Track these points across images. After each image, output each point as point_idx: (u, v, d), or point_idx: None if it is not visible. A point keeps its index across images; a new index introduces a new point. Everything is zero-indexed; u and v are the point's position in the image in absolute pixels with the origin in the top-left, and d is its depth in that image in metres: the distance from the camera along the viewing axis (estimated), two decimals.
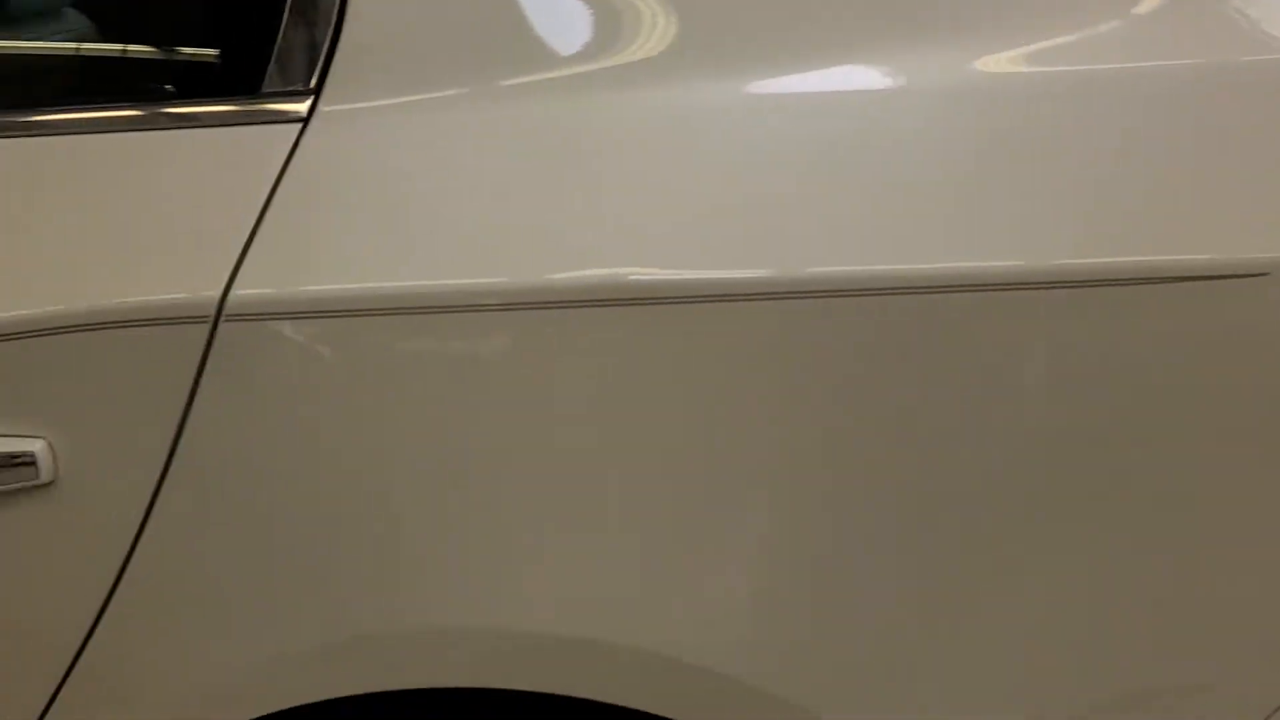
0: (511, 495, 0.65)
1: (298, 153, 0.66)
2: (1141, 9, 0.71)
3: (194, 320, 0.64)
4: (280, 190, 0.66)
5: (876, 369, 0.62)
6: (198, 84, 0.77)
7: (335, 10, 0.68)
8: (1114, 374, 0.61)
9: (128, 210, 0.67)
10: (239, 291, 0.64)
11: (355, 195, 0.66)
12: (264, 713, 0.71)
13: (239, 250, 0.64)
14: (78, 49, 0.83)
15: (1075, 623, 0.65)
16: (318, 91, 0.68)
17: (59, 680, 0.70)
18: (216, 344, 0.64)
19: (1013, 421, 0.62)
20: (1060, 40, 0.68)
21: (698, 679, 0.66)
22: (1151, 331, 0.61)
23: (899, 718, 0.67)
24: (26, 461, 0.66)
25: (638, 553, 0.66)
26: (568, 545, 0.66)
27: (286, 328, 0.64)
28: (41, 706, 0.72)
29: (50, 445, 0.67)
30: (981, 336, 0.61)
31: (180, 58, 0.79)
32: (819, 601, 0.66)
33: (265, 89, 0.69)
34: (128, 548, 0.67)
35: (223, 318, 0.64)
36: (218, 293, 0.64)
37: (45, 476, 0.67)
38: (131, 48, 0.82)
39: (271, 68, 0.69)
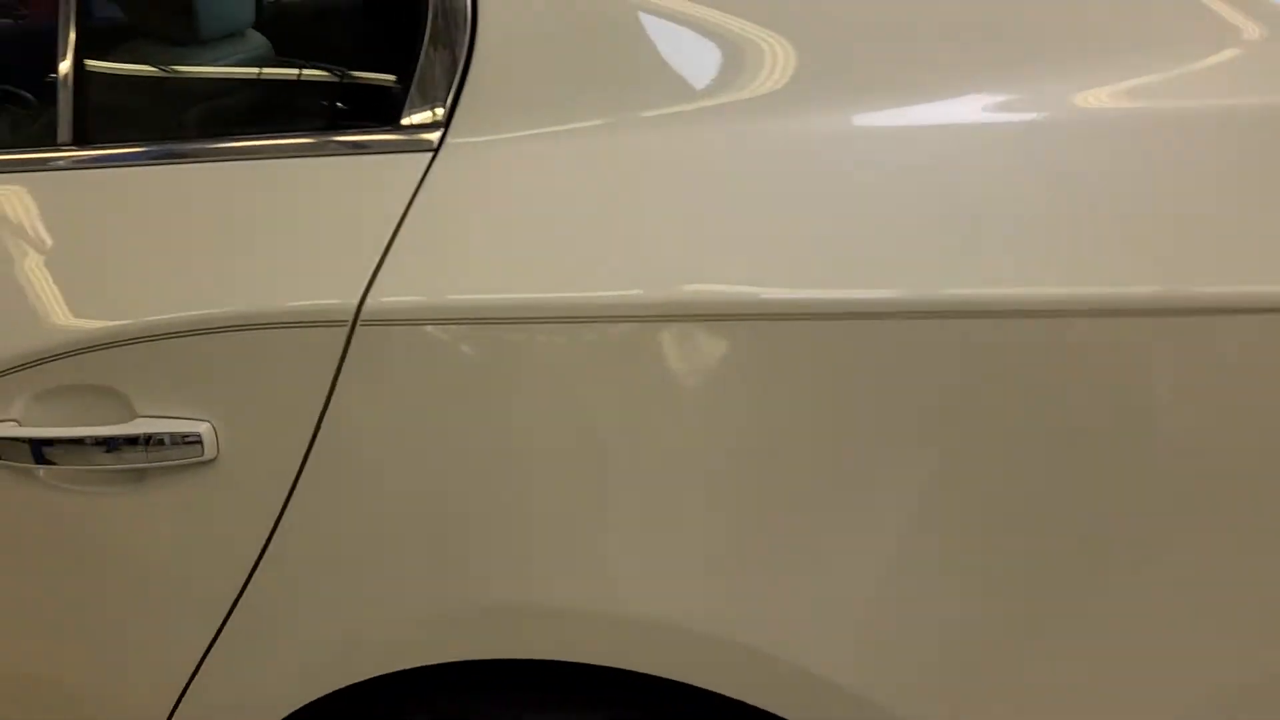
0: (616, 490, 0.73)
1: (425, 182, 0.75)
2: (1227, 52, 0.74)
3: (334, 324, 0.73)
4: (410, 213, 0.75)
5: (979, 386, 0.67)
6: (349, 111, 0.87)
7: (465, 51, 0.77)
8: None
9: (281, 227, 0.77)
10: (373, 300, 0.73)
11: (477, 217, 0.74)
12: (385, 671, 0.80)
13: (374, 265, 0.74)
14: (256, 74, 0.94)
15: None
16: (448, 123, 0.77)
17: (217, 628, 0.82)
18: (353, 345, 0.74)
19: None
20: (1153, 77, 0.71)
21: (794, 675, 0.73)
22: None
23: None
24: (193, 441, 0.78)
25: (735, 550, 0.72)
26: (671, 540, 0.73)
27: (413, 332, 0.73)
28: (202, 650, 0.83)
29: (214, 428, 0.77)
30: (1095, 358, 0.65)
31: (335, 88, 0.89)
32: (897, 603, 0.71)
33: (403, 120, 0.78)
34: (275, 518, 0.78)
35: (359, 323, 0.73)
36: (355, 301, 0.73)
37: (209, 454, 0.78)
38: (296, 75, 0.93)
39: (410, 96, 0.78)
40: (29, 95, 1.07)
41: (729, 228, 0.70)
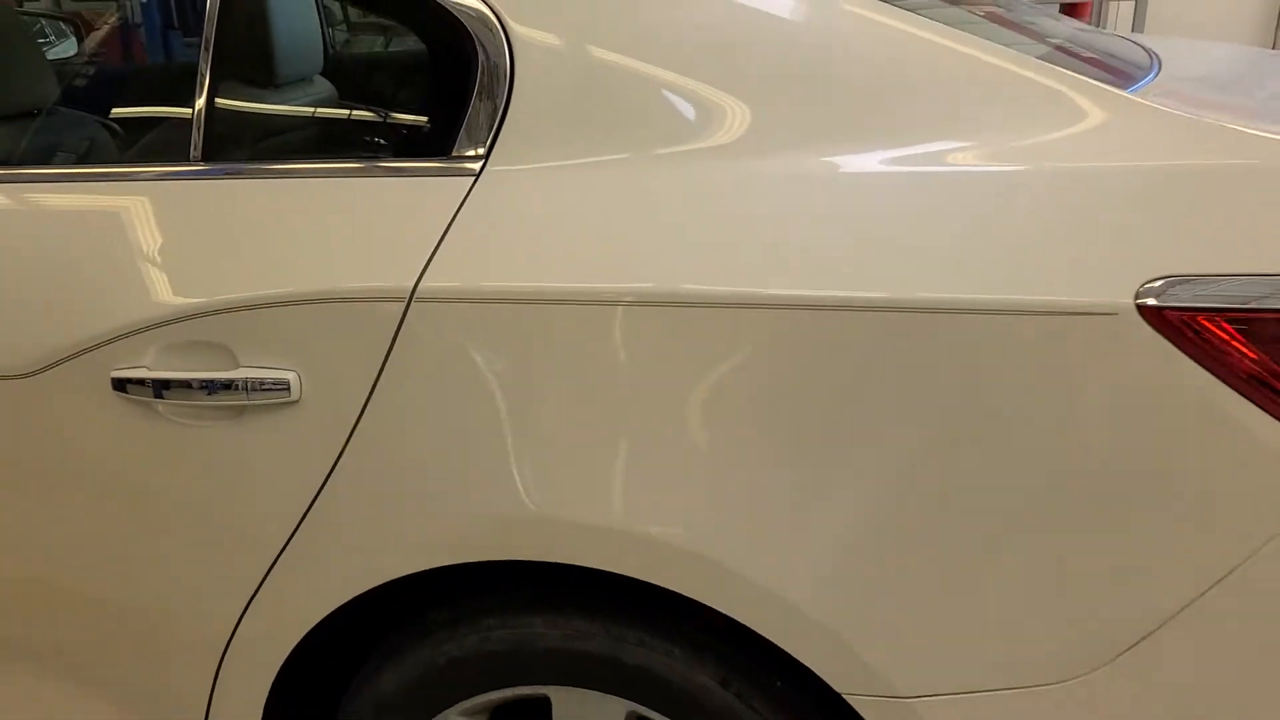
0: (604, 435, 0.97)
1: (469, 199, 1.01)
2: (1076, 127, 0.98)
3: (394, 300, 0.98)
4: (455, 222, 1.00)
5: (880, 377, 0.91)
6: (416, 144, 1.12)
7: (504, 101, 1.02)
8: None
9: (354, 230, 1.02)
10: (425, 284, 0.98)
11: (505, 225, 0.99)
12: (420, 568, 1.04)
13: (427, 257, 0.99)
14: (317, 113, 1.20)
15: None
16: (488, 156, 1.02)
17: (293, 529, 1.06)
18: (408, 317, 0.99)
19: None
20: (1018, 144, 0.96)
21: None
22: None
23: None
24: (283, 386, 1.02)
25: (687, 485, 0.96)
26: (642, 473, 0.97)
27: (454, 309, 0.98)
28: (280, 547, 1.07)
29: (299, 375, 1.02)
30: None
31: (407, 126, 1.14)
32: (798, 522, 0.95)
33: (453, 152, 1.04)
34: (341, 447, 1.03)
35: (414, 299, 0.98)
36: (411, 283, 0.98)
37: (294, 396, 1.03)
38: (359, 113, 1.19)
39: (460, 135, 1.04)
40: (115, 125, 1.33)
41: (694, 237, 0.94)
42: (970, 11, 1.33)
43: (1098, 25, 6.43)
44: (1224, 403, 0.88)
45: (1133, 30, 5.83)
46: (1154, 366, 0.88)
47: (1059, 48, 1.33)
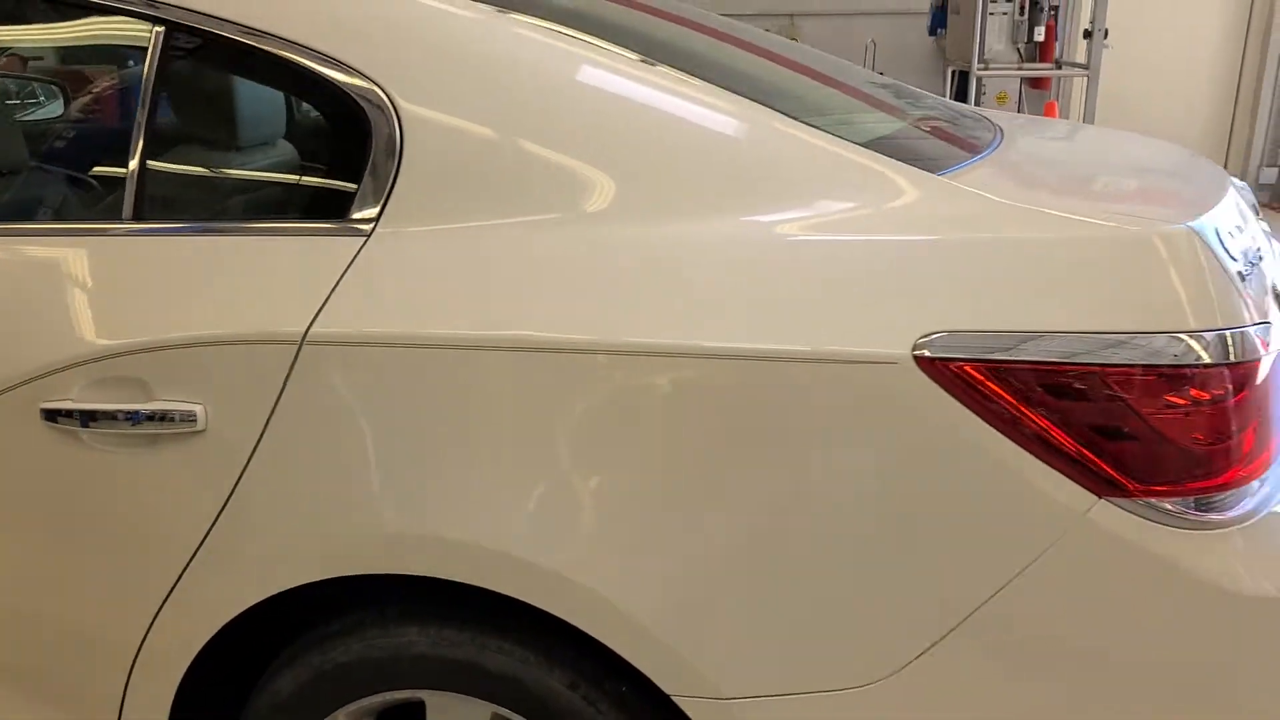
0: (459, 469, 1.11)
1: (359, 256, 1.16)
2: (885, 205, 1.14)
3: (289, 343, 1.13)
4: (345, 277, 1.15)
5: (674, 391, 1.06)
6: (319, 208, 1.27)
7: (393, 173, 1.18)
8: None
9: (257, 281, 1.17)
10: (315, 329, 1.13)
11: (385, 278, 1.15)
12: (303, 581, 1.18)
13: (318, 308, 1.14)
14: (231, 178, 1.35)
15: None
16: (378, 219, 1.18)
17: (200, 540, 1.20)
18: (300, 358, 1.14)
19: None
20: (834, 217, 1.12)
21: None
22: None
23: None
24: (191, 418, 1.17)
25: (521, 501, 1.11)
26: (492, 497, 1.11)
27: (341, 351, 1.13)
28: (189, 557, 1.21)
29: (205, 408, 1.17)
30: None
31: (313, 191, 1.30)
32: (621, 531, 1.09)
33: (349, 215, 1.19)
34: (241, 469, 1.17)
35: (305, 343, 1.13)
36: (303, 328, 1.13)
37: (201, 426, 1.17)
38: (270, 179, 1.35)
39: (355, 200, 1.19)
40: (90, 179, 1.49)
41: (549, 294, 1.10)
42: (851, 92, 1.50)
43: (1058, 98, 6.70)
44: (986, 440, 1.04)
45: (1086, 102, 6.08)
46: (928, 408, 1.04)
47: (919, 122, 1.50)
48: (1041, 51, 6.34)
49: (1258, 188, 7.16)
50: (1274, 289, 1.31)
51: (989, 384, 1.04)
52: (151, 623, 1.25)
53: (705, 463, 1.07)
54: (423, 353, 1.11)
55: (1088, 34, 6.09)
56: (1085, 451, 1.04)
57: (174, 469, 1.20)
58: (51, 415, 1.22)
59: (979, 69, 5.95)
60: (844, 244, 1.09)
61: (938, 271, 1.07)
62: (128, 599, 1.25)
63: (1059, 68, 6.26)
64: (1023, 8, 6.10)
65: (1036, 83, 6.99)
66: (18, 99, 1.64)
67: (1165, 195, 1.29)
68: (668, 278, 1.10)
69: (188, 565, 1.21)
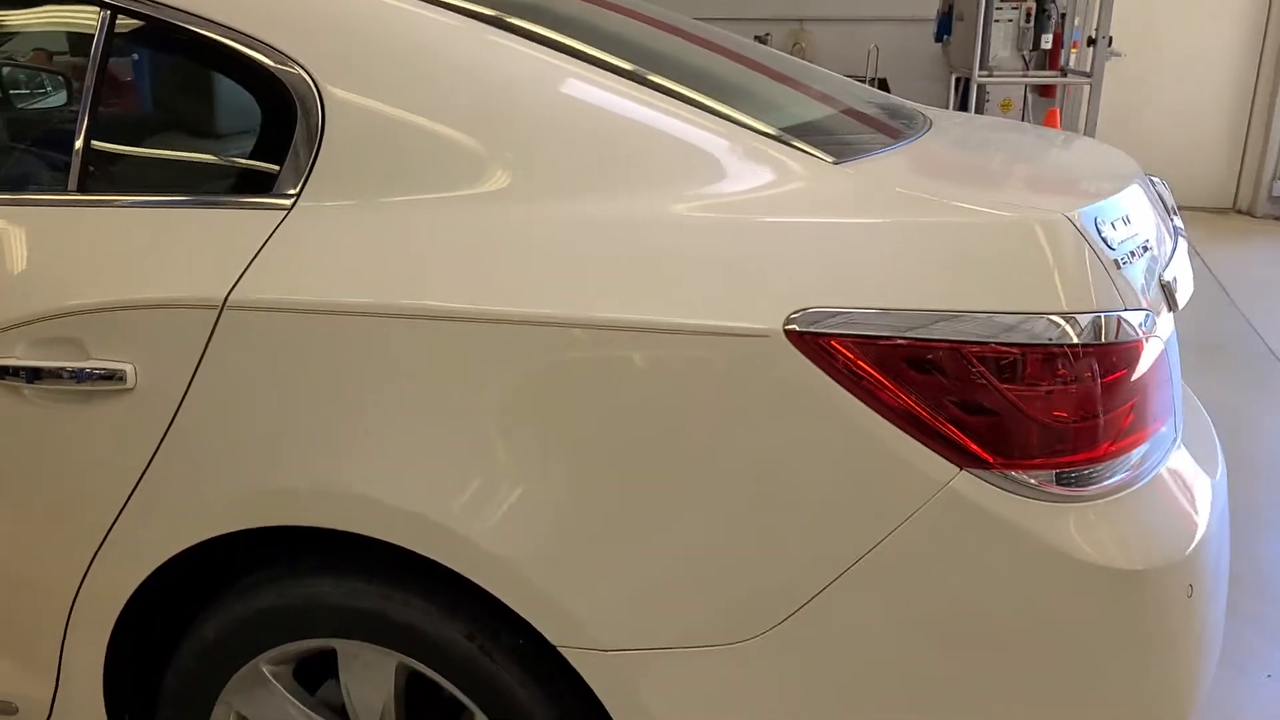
0: (369, 429, 1.19)
1: (280, 227, 1.24)
2: (778, 189, 1.20)
3: (210, 308, 1.21)
4: (265, 246, 1.23)
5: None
6: (248, 183, 1.35)
7: (317, 144, 1.25)
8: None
9: (184, 250, 1.25)
10: (235, 295, 1.21)
11: (303, 249, 1.22)
12: (224, 530, 1.26)
13: (238, 275, 1.22)
14: (167, 155, 1.43)
15: None
16: (299, 195, 1.26)
17: (130, 490, 1.28)
18: (221, 321, 1.22)
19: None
20: (727, 198, 1.19)
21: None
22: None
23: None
24: (120, 376, 1.25)
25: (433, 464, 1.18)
26: (415, 462, 1.19)
27: (259, 315, 1.21)
28: (119, 506, 1.29)
29: (134, 368, 1.25)
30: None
31: (233, 165, 1.38)
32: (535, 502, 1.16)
33: (273, 190, 1.27)
34: (168, 424, 1.25)
35: (225, 307, 1.21)
36: (224, 294, 1.21)
37: (130, 384, 1.25)
38: (200, 155, 1.43)
39: (279, 178, 1.27)
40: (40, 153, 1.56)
41: (453, 265, 1.17)
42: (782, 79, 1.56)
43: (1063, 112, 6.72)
44: (852, 411, 1.10)
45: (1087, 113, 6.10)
46: (796, 379, 1.10)
47: (846, 110, 1.57)
48: (1049, 59, 6.37)
49: (1270, 200, 7.15)
50: (1164, 282, 1.36)
51: (854, 358, 1.10)
52: (87, 569, 1.33)
53: (586, 426, 1.14)
54: (332, 319, 1.19)
55: (1091, 41, 6.11)
56: (946, 425, 1.10)
57: (106, 424, 1.28)
58: None
59: (982, 75, 5.98)
60: (727, 223, 1.16)
61: (814, 251, 1.14)
62: (66, 545, 1.34)
63: (1064, 75, 6.27)
64: (1029, 15, 6.12)
65: (1045, 90, 7.01)
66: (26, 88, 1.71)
67: (1054, 187, 1.35)
68: (559, 253, 1.17)
69: (119, 514, 1.29)
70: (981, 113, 6.56)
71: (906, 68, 6.94)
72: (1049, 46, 6.31)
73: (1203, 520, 1.26)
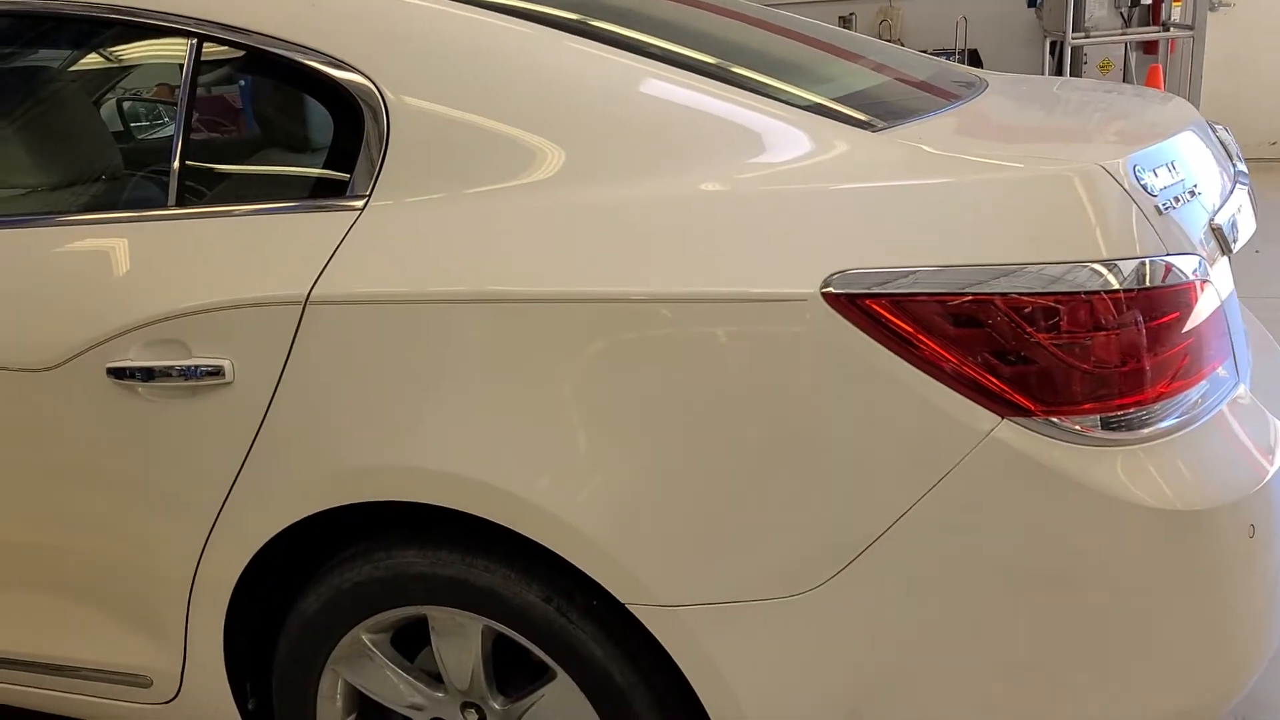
0: (427, 401, 1.28)
1: (354, 227, 1.34)
2: (815, 159, 1.25)
3: (294, 303, 1.32)
4: (341, 246, 1.33)
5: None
6: (318, 187, 1.46)
7: (380, 158, 1.35)
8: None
9: (269, 253, 1.37)
10: (316, 290, 1.32)
11: (375, 245, 1.32)
12: (326, 506, 1.37)
13: (318, 273, 1.32)
14: (252, 168, 1.56)
15: None
16: (370, 195, 1.36)
17: (235, 474, 1.40)
18: (305, 318, 1.33)
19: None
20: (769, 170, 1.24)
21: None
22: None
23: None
24: (220, 372, 1.37)
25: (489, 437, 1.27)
26: (453, 433, 1.28)
27: (339, 309, 1.31)
28: (225, 492, 1.41)
29: (232, 363, 1.37)
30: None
31: (309, 173, 1.49)
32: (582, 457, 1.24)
33: (346, 193, 1.38)
34: (263, 414, 1.37)
35: (308, 303, 1.32)
36: (306, 291, 1.32)
37: (228, 379, 1.38)
38: (280, 166, 1.54)
39: (352, 181, 1.38)
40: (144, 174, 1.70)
41: (515, 251, 1.25)
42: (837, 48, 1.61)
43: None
44: (892, 368, 1.14)
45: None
46: (836, 340, 1.15)
47: (898, 78, 1.61)
48: (1151, 14, 6.16)
49: None
50: (1215, 226, 1.35)
51: (891, 317, 1.14)
52: (202, 550, 1.46)
53: (642, 396, 1.21)
54: (404, 308, 1.29)
55: None
56: (985, 376, 1.14)
57: (209, 417, 1.40)
58: (117, 373, 1.44)
59: (1077, 37, 5.82)
60: (766, 194, 1.21)
61: (850, 215, 1.18)
62: (183, 530, 1.47)
63: (1165, 29, 6.05)
64: None
65: (1149, 47, 6.77)
66: (147, 119, 1.87)
67: (1096, 138, 1.36)
68: (608, 233, 1.24)
69: (226, 499, 1.42)
70: (1078, 76, 6.37)
71: (999, 36, 6.80)
72: (1150, 1, 6.11)
73: (1266, 460, 1.26)
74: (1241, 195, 1.49)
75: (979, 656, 1.19)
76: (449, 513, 1.33)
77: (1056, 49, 6.32)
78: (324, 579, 1.46)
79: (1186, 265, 1.20)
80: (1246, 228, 1.44)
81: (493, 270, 1.26)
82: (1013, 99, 1.64)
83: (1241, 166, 1.60)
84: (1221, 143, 1.62)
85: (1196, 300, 1.21)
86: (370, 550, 1.43)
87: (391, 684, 1.49)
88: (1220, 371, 1.27)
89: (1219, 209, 1.39)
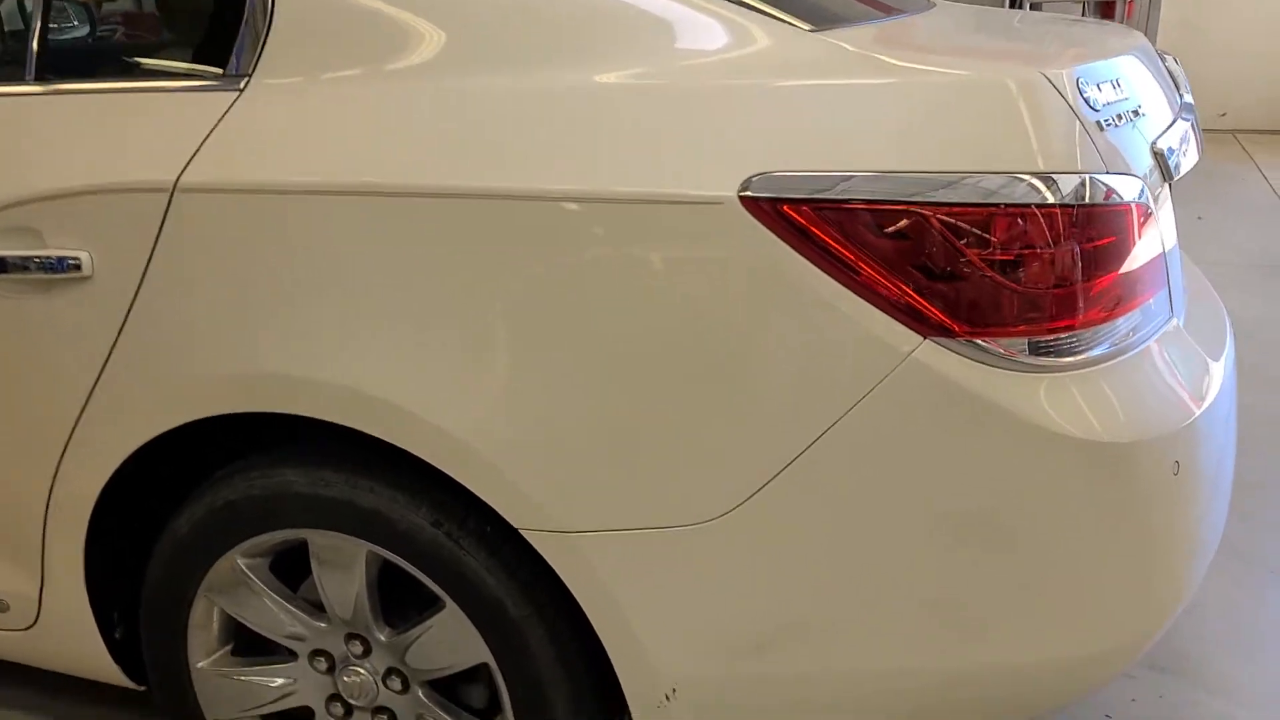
0: (308, 309, 1.17)
1: (232, 109, 1.21)
2: (734, 53, 1.15)
3: (159, 191, 1.19)
4: (219, 125, 1.20)
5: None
6: (195, 64, 1.31)
7: (266, 25, 1.22)
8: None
9: (136, 134, 1.23)
10: (186, 178, 1.19)
11: (253, 129, 1.19)
12: (195, 418, 1.25)
13: (189, 157, 1.19)
14: (120, 41, 1.41)
15: None
16: (251, 75, 1.23)
17: (96, 375, 1.27)
18: (173, 208, 1.20)
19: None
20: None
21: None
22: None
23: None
24: (76, 264, 1.24)
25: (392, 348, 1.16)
26: (353, 337, 1.17)
27: (210, 198, 1.18)
28: (87, 394, 1.28)
29: (90, 255, 1.24)
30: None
31: (187, 49, 1.35)
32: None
33: (226, 72, 1.24)
34: (126, 312, 1.24)
35: (177, 191, 1.19)
36: (174, 177, 1.19)
37: (86, 273, 1.24)
38: (151, 40, 1.40)
39: (230, 58, 1.24)
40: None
41: (403, 141, 1.13)
42: None
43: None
44: (811, 280, 1.05)
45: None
46: (752, 248, 1.06)
47: None
48: None
49: None
50: (1158, 151, 1.29)
51: (812, 224, 1.05)
52: (59, 464, 1.34)
53: (541, 304, 1.11)
54: (284, 199, 1.16)
55: None
56: (908, 292, 1.05)
57: (66, 316, 1.27)
58: None
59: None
60: (679, 89, 1.11)
61: (773, 115, 1.08)
62: (37, 442, 1.34)
63: None
64: None
65: (1105, 10, 6.74)
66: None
67: (1037, 54, 1.27)
68: (508, 124, 1.13)
69: (84, 408, 1.29)
70: None
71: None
72: None
73: (1196, 399, 1.20)
74: (1185, 127, 1.42)
75: (893, 592, 1.13)
76: (332, 429, 1.22)
77: (1015, 6, 6.27)
78: (195, 498, 1.34)
79: (1128, 187, 1.13)
80: (1189, 158, 1.37)
81: (377, 160, 1.14)
82: (960, 17, 1.55)
83: (1188, 98, 1.54)
84: (1169, 73, 1.55)
85: (1135, 225, 1.14)
86: (247, 468, 1.31)
87: (270, 613, 1.39)
88: (1154, 303, 1.21)
89: (1162, 134, 1.32)
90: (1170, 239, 1.30)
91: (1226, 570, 2.13)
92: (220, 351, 1.22)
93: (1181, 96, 1.52)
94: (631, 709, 1.24)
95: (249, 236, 1.18)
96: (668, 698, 1.22)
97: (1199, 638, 1.94)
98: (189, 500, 1.35)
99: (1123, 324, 1.14)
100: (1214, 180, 5.35)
